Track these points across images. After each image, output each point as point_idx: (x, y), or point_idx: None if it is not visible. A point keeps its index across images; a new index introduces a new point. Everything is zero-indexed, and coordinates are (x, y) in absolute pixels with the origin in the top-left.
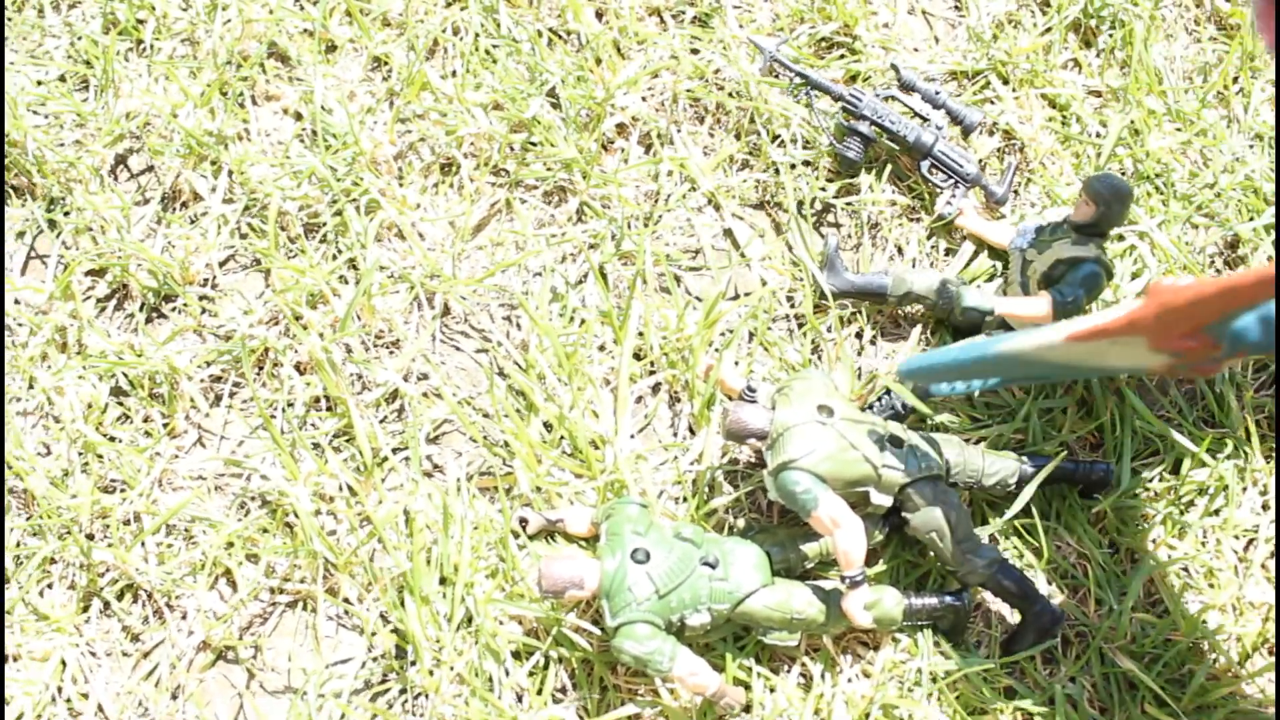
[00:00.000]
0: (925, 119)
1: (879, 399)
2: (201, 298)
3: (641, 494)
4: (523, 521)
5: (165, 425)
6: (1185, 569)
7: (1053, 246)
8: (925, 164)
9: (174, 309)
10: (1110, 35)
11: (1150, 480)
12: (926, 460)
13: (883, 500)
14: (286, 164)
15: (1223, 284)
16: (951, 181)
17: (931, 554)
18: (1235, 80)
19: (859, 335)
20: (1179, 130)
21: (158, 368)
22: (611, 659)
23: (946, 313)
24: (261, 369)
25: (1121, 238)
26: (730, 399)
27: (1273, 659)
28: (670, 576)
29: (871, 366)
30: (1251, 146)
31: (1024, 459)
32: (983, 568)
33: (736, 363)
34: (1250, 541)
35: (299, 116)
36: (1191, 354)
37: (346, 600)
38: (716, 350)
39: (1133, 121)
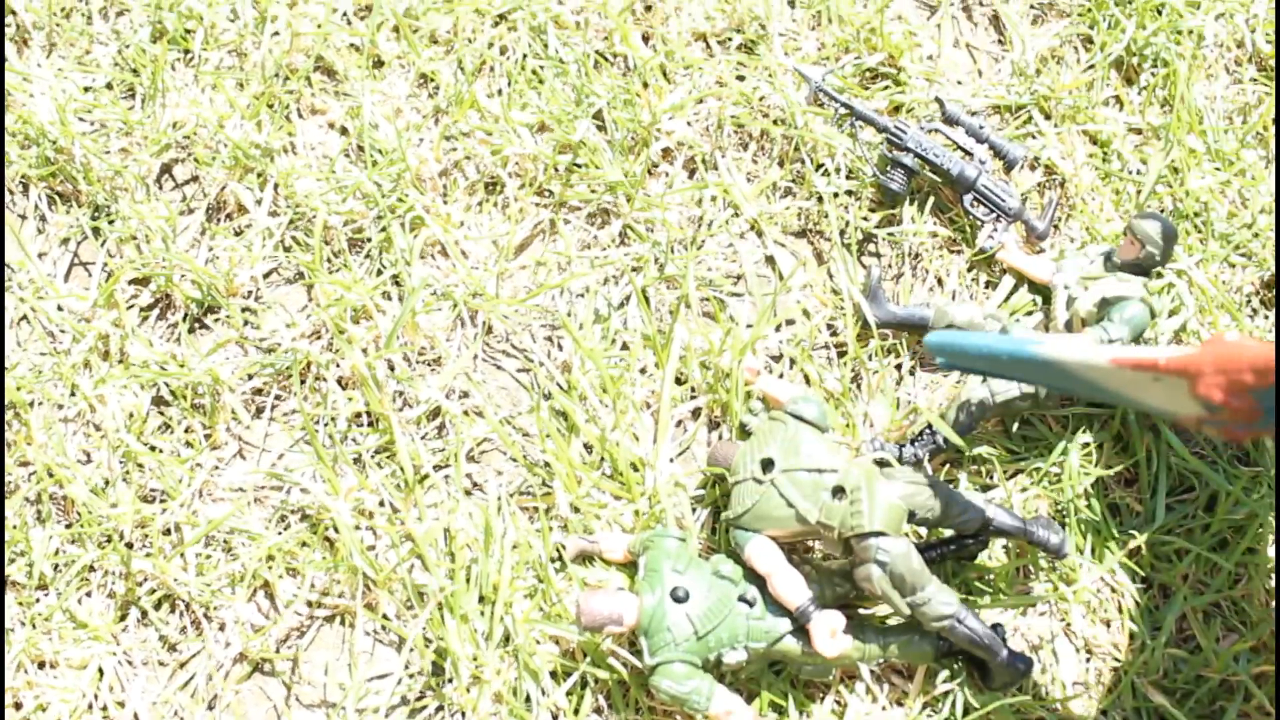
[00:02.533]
0: (969, 153)
1: (920, 434)
2: (245, 310)
3: (679, 523)
4: (560, 547)
5: (206, 436)
6: (1218, 605)
7: (1098, 283)
8: (968, 198)
9: (217, 320)
10: (1152, 74)
11: (1185, 517)
12: (870, 516)
13: (833, 552)
14: (332, 178)
15: None
16: (994, 215)
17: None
18: (1275, 121)
19: (898, 367)
20: (1218, 170)
21: (200, 379)
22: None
23: None
24: (304, 382)
25: (1160, 274)
26: (774, 408)
27: None
28: (709, 617)
29: (910, 397)
30: None
31: (990, 503)
32: (935, 621)
33: (780, 375)
34: None
35: (345, 131)
36: (1231, 412)
37: (385, 616)
38: (768, 368)
39: (1173, 160)
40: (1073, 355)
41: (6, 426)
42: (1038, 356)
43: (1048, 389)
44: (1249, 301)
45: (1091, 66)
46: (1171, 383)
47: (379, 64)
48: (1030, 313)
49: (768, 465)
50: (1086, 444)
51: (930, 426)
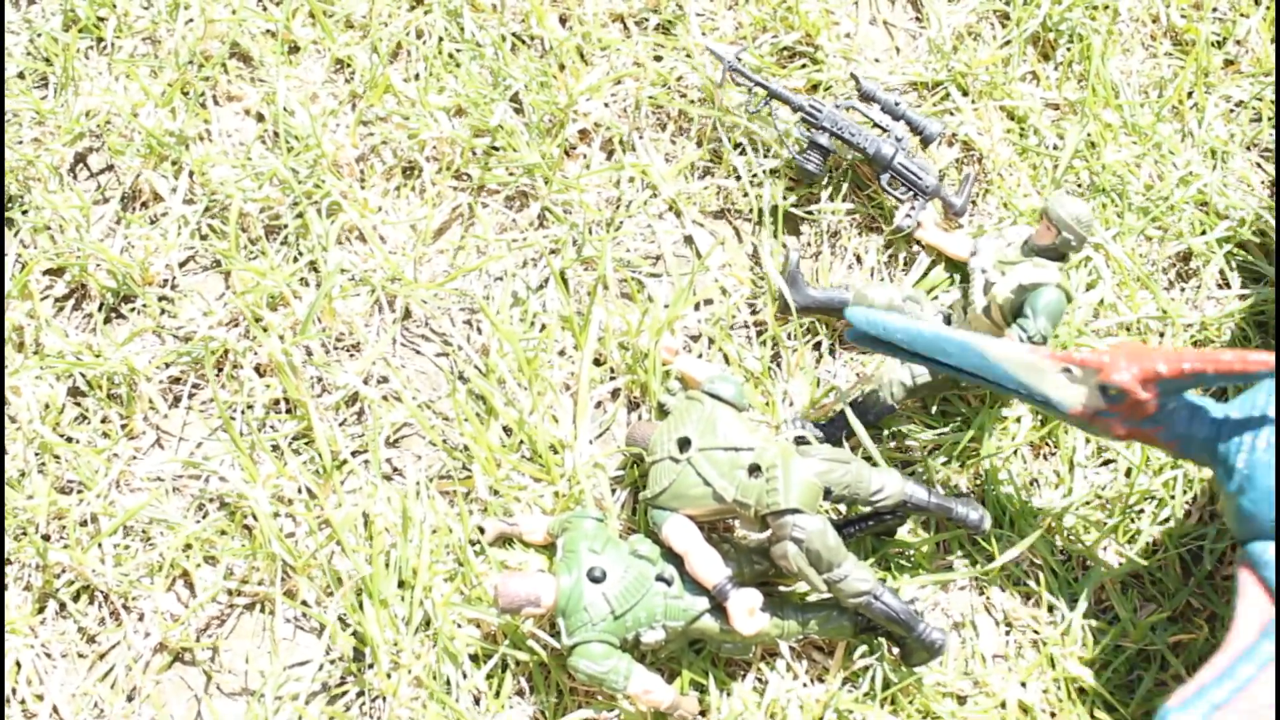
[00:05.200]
0: (885, 130)
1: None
2: (161, 298)
3: (598, 504)
4: (479, 529)
5: (123, 426)
6: (1136, 576)
7: (1015, 269)
8: (885, 176)
9: (133, 310)
10: (1068, 49)
11: (1103, 489)
12: (786, 493)
13: (751, 530)
14: (248, 165)
15: (1203, 352)
16: (911, 194)
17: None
18: (1190, 95)
19: (817, 346)
20: (1135, 144)
21: (116, 369)
22: None
23: None
24: (221, 370)
25: (1079, 261)
26: (691, 387)
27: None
28: (626, 596)
29: (829, 376)
30: (1206, 160)
31: (908, 479)
32: (852, 597)
33: (699, 355)
34: (1198, 549)
35: (261, 118)
36: (1128, 404)
37: (305, 603)
38: (685, 348)
39: (1089, 134)
40: (994, 345)
41: None
42: (960, 342)
43: (954, 374)
44: (1165, 273)
45: (1008, 43)
46: (1081, 374)
47: (294, 50)
48: (949, 287)
49: (685, 444)
50: (1004, 418)
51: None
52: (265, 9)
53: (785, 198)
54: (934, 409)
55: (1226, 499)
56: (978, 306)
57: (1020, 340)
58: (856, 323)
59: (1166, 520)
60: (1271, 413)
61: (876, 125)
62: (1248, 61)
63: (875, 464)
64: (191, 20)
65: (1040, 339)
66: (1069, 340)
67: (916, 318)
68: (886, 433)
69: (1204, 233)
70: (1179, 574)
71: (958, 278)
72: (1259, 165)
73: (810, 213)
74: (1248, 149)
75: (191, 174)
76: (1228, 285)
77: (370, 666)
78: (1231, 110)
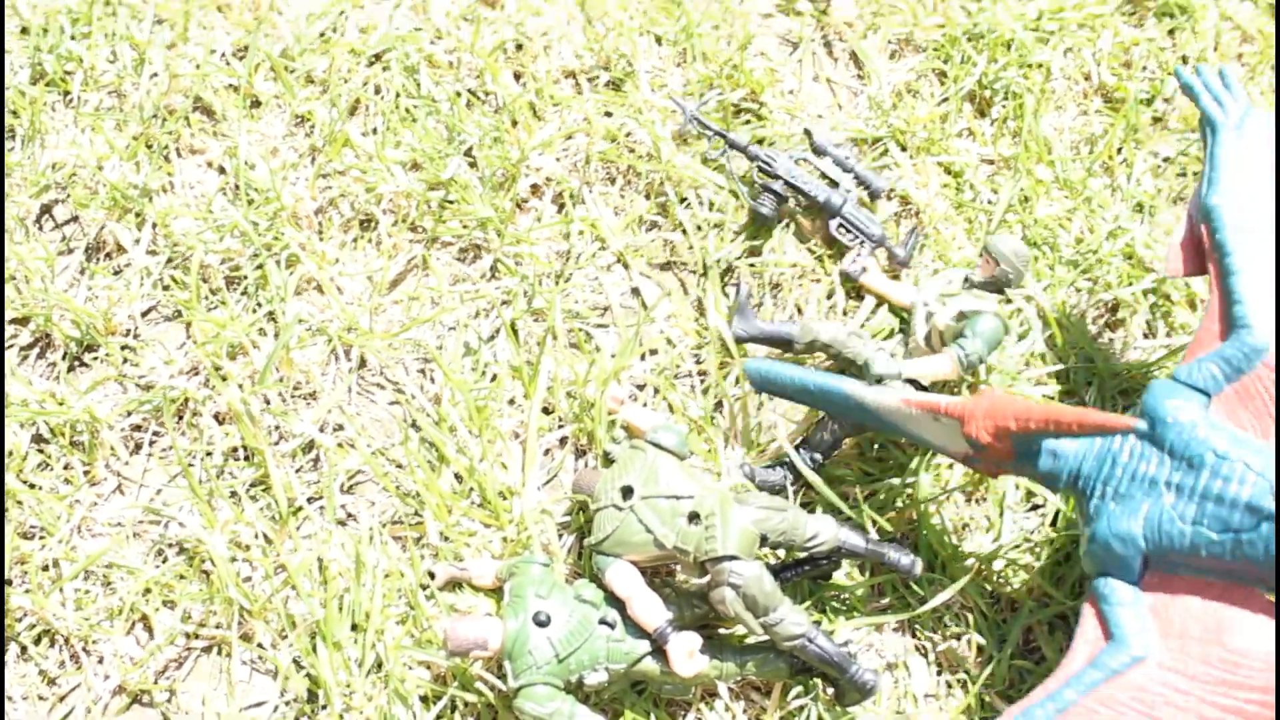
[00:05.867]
0: (835, 182)
1: (796, 448)
2: (123, 348)
3: (545, 549)
4: (430, 574)
5: (85, 473)
6: (1062, 617)
7: (955, 299)
8: (834, 224)
9: (96, 359)
10: (1003, 106)
11: (1031, 533)
12: (724, 540)
13: (690, 575)
14: (209, 218)
15: (1048, 409)
16: (859, 241)
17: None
18: (1119, 151)
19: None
20: (1066, 198)
21: (79, 416)
22: None
23: (848, 363)
24: (181, 418)
25: (1010, 300)
26: (635, 435)
27: None
28: (570, 640)
29: (770, 422)
30: (1134, 214)
31: (843, 525)
32: (787, 640)
33: (644, 404)
34: None
35: (223, 171)
36: (990, 451)
37: (260, 645)
38: (631, 397)
39: (1023, 189)
40: (871, 395)
41: None
42: (844, 393)
43: (849, 421)
44: (1095, 323)
45: (945, 100)
46: (948, 423)
47: (256, 104)
48: (890, 335)
49: (627, 492)
50: (938, 464)
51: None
52: (228, 64)
53: (729, 249)
54: (872, 450)
55: (1081, 535)
56: (919, 336)
57: (960, 360)
58: (752, 373)
59: None
60: (1122, 462)
61: (827, 177)
62: (1175, 119)
63: (813, 510)
64: (156, 75)
65: (976, 359)
66: (1013, 374)
67: (865, 343)
68: (825, 477)
69: (1130, 284)
70: None
71: (900, 322)
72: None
73: (753, 264)
74: (1174, 203)
75: (154, 226)
76: (1153, 334)
77: (324, 708)
78: (1159, 165)
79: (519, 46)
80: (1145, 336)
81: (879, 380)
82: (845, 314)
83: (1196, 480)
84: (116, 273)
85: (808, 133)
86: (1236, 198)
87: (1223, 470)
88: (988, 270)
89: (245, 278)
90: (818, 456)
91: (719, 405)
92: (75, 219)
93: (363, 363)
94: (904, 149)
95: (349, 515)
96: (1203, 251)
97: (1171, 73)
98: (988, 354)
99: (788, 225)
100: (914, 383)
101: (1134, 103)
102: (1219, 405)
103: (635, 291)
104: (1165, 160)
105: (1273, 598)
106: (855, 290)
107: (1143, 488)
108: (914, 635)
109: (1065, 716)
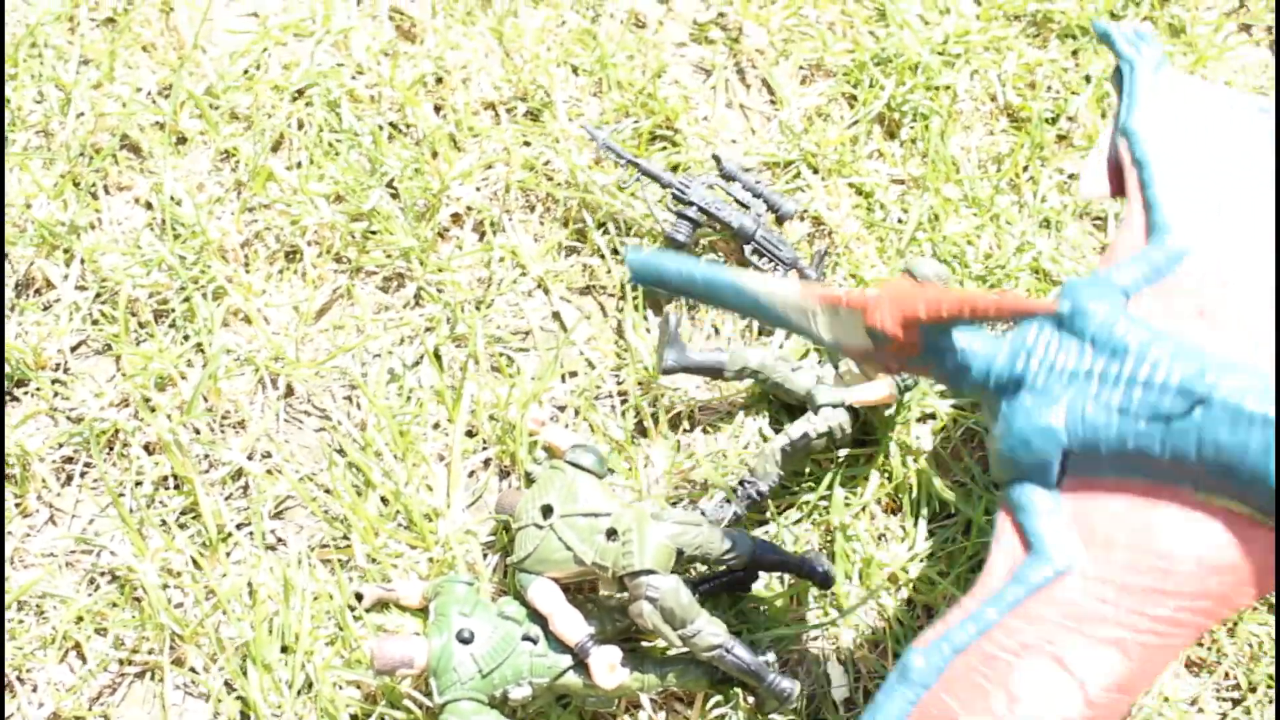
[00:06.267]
0: (746, 206)
1: (740, 483)
2: (54, 381)
3: (470, 569)
4: (358, 595)
5: (17, 505)
6: None
7: None
8: (748, 248)
9: (27, 393)
10: (911, 128)
11: (946, 541)
12: (640, 555)
13: (610, 590)
14: (137, 253)
15: (963, 294)
16: (772, 264)
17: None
18: (1025, 169)
19: (678, 415)
20: (974, 215)
21: (10, 450)
22: None
23: (776, 386)
24: (112, 449)
25: None
26: (556, 456)
27: None
28: (493, 656)
29: (689, 442)
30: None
31: (758, 538)
32: (705, 651)
33: (566, 425)
34: None
35: (150, 206)
36: (894, 345)
37: (192, 670)
38: (552, 419)
39: (932, 207)
40: (763, 285)
41: None
42: (732, 282)
43: (740, 314)
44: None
45: (855, 123)
46: (849, 316)
47: (182, 141)
48: (805, 354)
49: (547, 511)
50: (853, 476)
51: (742, 482)
52: (154, 102)
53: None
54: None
55: (990, 440)
56: (849, 361)
57: (896, 383)
58: (633, 264)
59: None
60: (1039, 355)
61: (738, 202)
62: (1079, 136)
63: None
64: (83, 114)
65: (912, 382)
66: (924, 389)
67: (792, 367)
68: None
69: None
70: None
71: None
72: (1090, 233)
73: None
74: (1079, 218)
75: (83, 262)
76: None
77: None
78: (1065, 181)
79: (438, 80)
80: None
81: (818, 410)
82: (760, 335)
83: (1122, 367)
84: (46, 308)
85: (717, 159)
86: (1153, 119)
87: (1150, 355)
88: None
89: (173, 311)
90: (763, 489)
91: (639, 425)
92: (4, 256)
93: (290, 391)
94: (816, 171)
95: (278, 540)
96: (1120, 175)
97: (1074, 91)
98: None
99: (705, 249)
100: (851, 410)
101: (1039, 122)
102: (1137, 305)
103: (556, 315)
104: (1070, 176)
105: (1203, 497)
106: None
107: (1061, 380)
108: (833, 643)
109: (987, 638)
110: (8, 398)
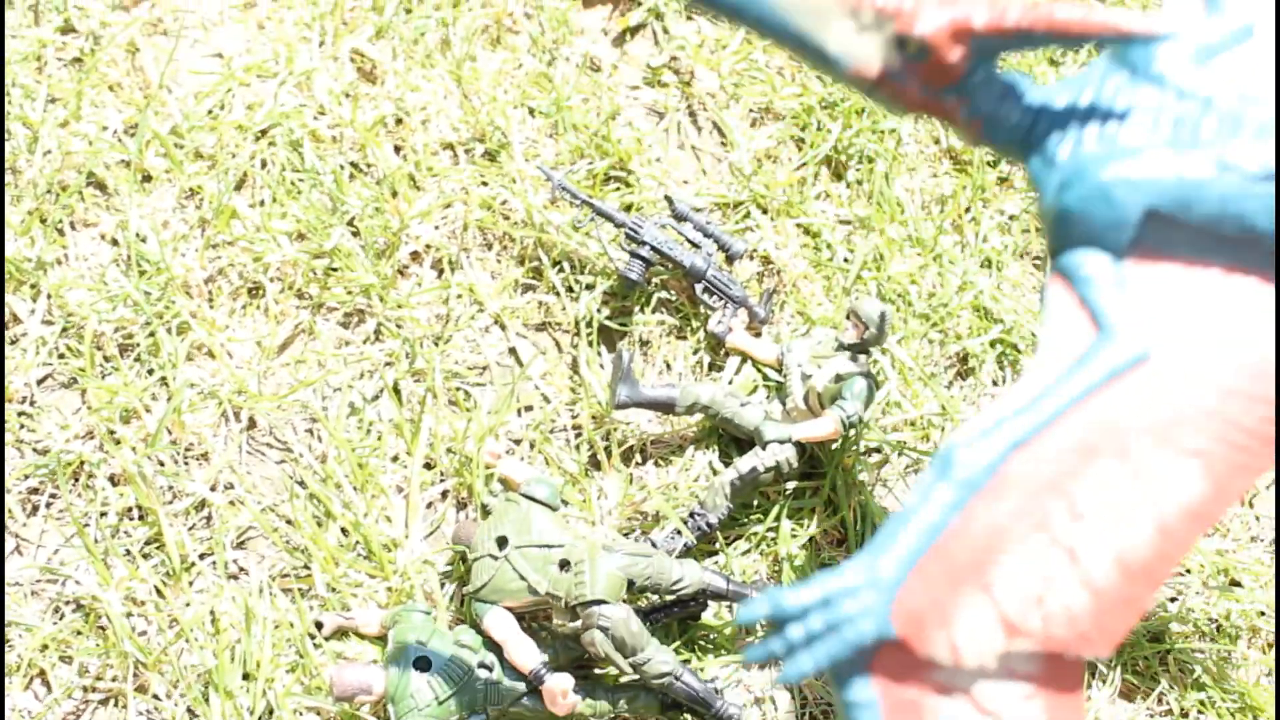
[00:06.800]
0: (697, 246)
1: (690, 515)
2: (20, 414)
3: (428, 598)
4: (318, 624)
5: None
6: None
7: (830, 362)
8: (699, 286)
9: None
10: (858, 169)
11: None
12: (592, 586)
13: (563, 619)
14: (103, 288)
15: (1041, 6)
16: (723, 303)
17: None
18: (968, 210)
19: (631, 448)
20: (918, 255)
21: None
22: None
23: (726, 421)
24: (77, 481)
25: (873, 358)
26: (512, 488)
27: None
28: (449, 683)
29: (642, 474)
30: (982, 268)
31: (707, 569)
32: (655, 678)
33: (521, 458)
34: None
35: (115, 243)
36: (929, 64)
37: (156, 697)
38: (508, 452)
39: (877, 247)
40: None
41: None
42: None
43: (735, 22)
44: (945, 373)
45: (804, 165)
46: (874, 22)
47: (147, 179)
48: (755, 390)
49: (503, 542)
50: (799, 508)
51: (693, 514)
52: (120, 141)
53: (600, 310)
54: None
55: (1044, 199)
56: (798, 398)
57: (841, 421)
58: None
59: None
60: (1109, 98)
61: (689, 241)
62: (1020, 178)
63: (684, 554)
64: (50, 152)
65: (856, 418)
66: (868, 424)
67: (741, 402)
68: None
69: (979, 335)
70: None
71: (763, 377)
72: (1031, 272)
73: (624, 324)
74: (1020, 257)
75: (49, 297)
76: (1002, 383)
77: None
78: (1005, 223)
79: (398, 120)
80: (994, 384)
81: (765, 445)
82: (711, 369)
83: (1207, 112)
84: (13, 342)
85: (669, 200)
86: None
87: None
88: (856, 334)
89: (138, 345)
90: (712, 521)
91: (593, 458)
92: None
93: (252, 424)
94: (765, 211)
95: (240, 569)
96: None
97: None
98: (864, 412)
99: (656, 286)
100: (798, 444)
101: (980, 164)
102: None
103: (512, 351)
104: (1011, 218)
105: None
106: (717, 346)
107: (1147, 129)
108: (779, 670)
109: (1049, 434)
110: None
